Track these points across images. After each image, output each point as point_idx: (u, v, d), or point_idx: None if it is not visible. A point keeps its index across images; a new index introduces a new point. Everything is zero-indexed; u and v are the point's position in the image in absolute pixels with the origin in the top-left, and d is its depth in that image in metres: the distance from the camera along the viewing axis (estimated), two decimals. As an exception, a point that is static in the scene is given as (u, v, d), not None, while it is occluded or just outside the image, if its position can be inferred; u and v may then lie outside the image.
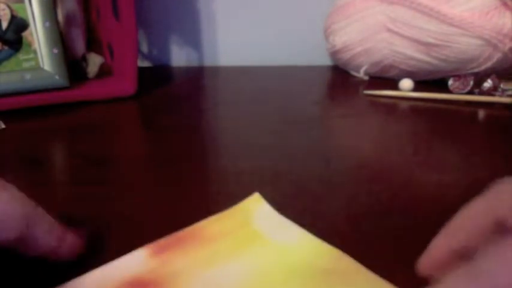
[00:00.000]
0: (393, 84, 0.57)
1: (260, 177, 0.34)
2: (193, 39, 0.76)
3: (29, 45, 0.49)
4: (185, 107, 0.52)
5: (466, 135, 0.43)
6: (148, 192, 0.32)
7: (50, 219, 0.22)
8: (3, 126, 0.44)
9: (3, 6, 0.49)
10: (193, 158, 0.38)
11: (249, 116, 0.49)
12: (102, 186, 0.33)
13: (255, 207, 0.29)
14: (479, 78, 0.54)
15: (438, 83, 0.57)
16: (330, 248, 0.25)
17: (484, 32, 0.52)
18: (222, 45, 0.76)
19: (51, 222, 0.22)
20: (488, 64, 0.54)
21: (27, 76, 0.49)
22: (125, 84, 0.54)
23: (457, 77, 0.55)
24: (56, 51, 0.50)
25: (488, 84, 0.53)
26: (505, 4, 0.52)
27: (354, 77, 0.64)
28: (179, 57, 0.77)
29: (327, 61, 0.72)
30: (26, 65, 0.49)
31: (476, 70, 0.55)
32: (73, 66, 0.56)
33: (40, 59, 0.50)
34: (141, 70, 0.57)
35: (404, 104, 0.53)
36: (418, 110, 0.51)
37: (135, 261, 0.24)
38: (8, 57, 0.49)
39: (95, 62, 0.57)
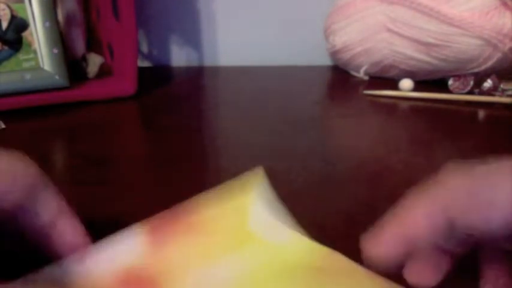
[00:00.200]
0: (393, 84, 0.57)
1: (260, 177, 0.34)
2: (193, 39, 0.76)
3: (29, 45, 0.49)
4: (185, 107, 0.52)
5: (466, 135, 0.43)
6: (148, 192, 0.32)
7: (55, 190, 0.22)
8: (3, 126, 0.44)
9: (3, 6, 0.49)
10: (193, 158, 0.38)
11: (249, 116, 0.49)
12: (102, 186, 0.33)
13: (254, 189, 0.28)
14: (479, 78, 0.54)
15: (438, 83, 0.57)
16: (321, 246, 0.25)
17: (484, 32, 0.52)
18: (222, 45, 0.76)
19: (55, 191, 0.22)
20: (488, 64, 0.54)
21: (27, 76, 0.49)
22: (124, 84, 0.54)
23: (457, 77, 0.55)
24: (56, 51, 0.50)
25: (488, 84, 0.53)
26: (505, 4, 0.52)
27: (354, 77, 0.64)
28: (179, 57, 0.77)
29: (327, 61, 0.72)
30: (26, 65, 0.49)
31: (476, 70, 0.55)
32: (73, 66, 0.56)
33: (40, 59, 0.50)
34: (141, 70, 0.57)
35: (404, 104, 0.53)
36: (418, 110, 0.51)
37: (128, 248, 0.24)
38: (8, 57, 0.49)
39: (95, 62, 0.57)
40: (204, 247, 0.25)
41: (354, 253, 0.24)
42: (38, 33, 0.50)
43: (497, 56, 0.53)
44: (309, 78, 0.66)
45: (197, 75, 0.70)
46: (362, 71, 0.62)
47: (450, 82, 0.55)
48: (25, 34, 0.49)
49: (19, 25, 0.49)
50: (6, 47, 0.49)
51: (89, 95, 0.52)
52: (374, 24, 0.58)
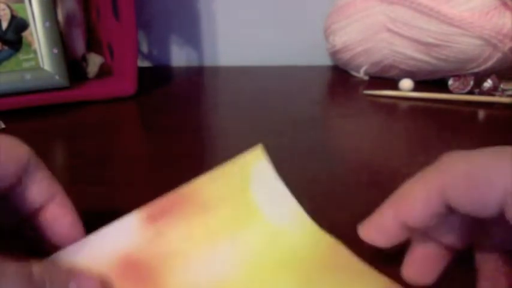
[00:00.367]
0: (393, 84, 0.57)
1: (260, 177, 0.34)
2: (193, 39, 0.76)
3: (29, 45, 0.49)
4: (185, 107, 0.52)
5: (466, 135, 0.43)
6: (149, 192, 0.32)
7: (48, 173, 0.22)
8: (3, 126, 0.44)
9: (3, 6, 0.49)
10: (193, 158, 0.38)
11: (249, 116, 0.49)
12: (102, 186, 0.33)
13: (254, 166, 0.27)
14: (479, 78, 0.54)
15: (438, 83, 0.57)
16: (324, 234, 0.25)
17: (484, 32, 0.52)
18: (222, 45, 0.76)
19: (48, 175, 0.22)
20: (488, 64, 0.54)
21: (27, 76, 0.49)
22: (125, 84, 0.54)
23: (457, 77, 0.55)
24: (56, 51, 0.50)
25: (488, 84, 0.53)
26: (505, 4, 0.52)
27: (354, 77, 0.64)
28: (179, 57, 0.77)
29: (327, 61, 0.72)
30: (26, 65, 0.49)
31: (476, 70, 0.55)
32: (73, 66, 0.56)
33: (40, 59, 0.50)
34: (141, 70, 0.57)
35: (404, 104, 0.53)
36: (418, 110, 0.51)
37: (128, 232, 0.23)
38: (8, 57, 0.49)
39: (95, 62, 0.57)
40: (204, 228, 0.24)
41: (354, 253, 0.24)
42: (38, 33, 0.50)
43: (497, 56, 0.53)
44: (309, 78, 0.66)
45: (197, 75, 0.70)
46: (362, 71, 0.62)
47: (450, 82, 0.55)
48: (25, 34, 0.49)
49: (19, 25, 0.49)
50: (6, 47, 0.49)
51: (89, 95, 0.52)
52: (374, 24, 0.58)
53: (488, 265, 0.21)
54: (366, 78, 0.63)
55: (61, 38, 0.51)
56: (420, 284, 0.21)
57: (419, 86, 0.56)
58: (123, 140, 0.43)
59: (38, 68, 0.50)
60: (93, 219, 0.28)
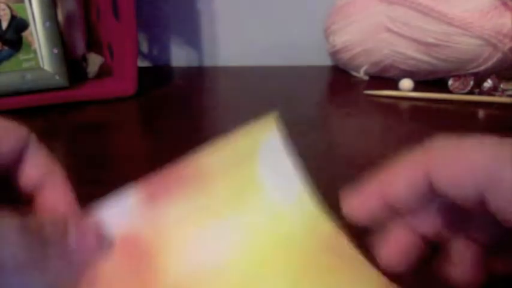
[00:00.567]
0: (393, 84, 0.57)
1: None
2: (193, 39, 0.76)
3: (29, 45, 0.50)
4: (185, 107, 0.52)
5: (466, 135, 0.43)
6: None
7: (45, 151, 0.22)
8: (3, 126, 0.44)
9: (3, 6, 0.49)
10: (193, 158, 0.38)
11: (249, 116, 0.48)
12: (102, 186, 0.33)
13: (264, 138, 0.26)
14: (479, 78, 0.54)
15: (438, 83, 0.57)
16: (326, 221, 0.24)
17: (484, 32, 0.52)
18: (222, 45, 0.76)
19: (45, 153, 0.22)
20: (488, 64, 0.54)
21: (27, 76, 0.49)
22: (125, 84, 0.54)
23: (457, 77, 0.55)
24: (56, 51, 0.50)
25: (488, 84, 0.53)
26: (505, 4, 0.52)
27: (354, 77, 0.64)
28: (179, 57, 0.77)
29: (327, 61, 0.72)
30: (26, 65, 0.49)
31: (476, 70, 0.55)
32: (73, 66, 0.56)
33: (40, 59, 0.50)
34: (141, 70, 0.57)
35: (404, 104, 0.53)
36: (418, 110, 0.51)
37: (126, 211, 0.22)
38: (8, 57, 0.49)
39: (95, 62, 0.57)
40: (204, 206, 0.23)
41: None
42: (38, 33, 0.50)
43: (497, 56, 0.53)
44: (309, 78, 0.66)
45: (197, 75, 0.70)
46: (362, 71, 0.62)
47: (450, 82, 0.55)
48: (25, 34, 0.49)
49: (19, 25, 0.49)
50: (6, 47, 0.49)
51: (89, 95, 0.52)
52: (374, 24, 0.58)
53: (459, 254, 0.21)
54: (366, 78, 0.63)
55: (61, 38, 0.51)
56: (391, 269, 0.21)
57: (419, 86, 0.56)
58: (123, 140, 0.43)
59: (38, 68, 0.50)
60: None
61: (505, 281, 0.22)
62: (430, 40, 0.54)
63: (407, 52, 0.57)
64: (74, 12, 0.57)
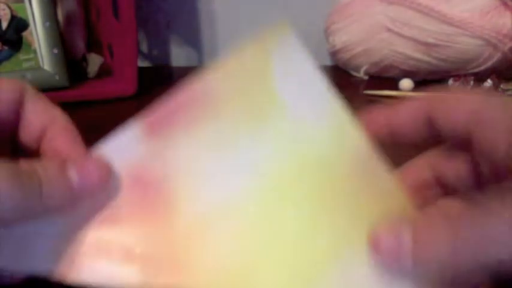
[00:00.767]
0: (393, 84, 0.57)
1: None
2: (193, 39, 0.76)
3: (29, 45, 0.50)
4: (185, 107, 0.52)
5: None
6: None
7: (45, 100, 0.22)
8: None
9: (3, 6, 0.49)
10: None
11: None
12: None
13: (278, 46, 0.22)
14: (479, 78, 0.54)
15: (438, 83, 0.57)
16: (359, 139, 0.21)
17: (484, 32, 0.52)
18: (222, 45, 0.76)
19: (46, 101, 0.22)
20: (488, 64, 0.54)
21: (27, 76, 0.49)
22: (124, 84, 0.54)
23: (457, 77, 0.55)
24: (56, 51, 0.50)
25: (488, 84, 0.53)
26: (505, 4, 0.52)
27: (354, 77, 0.64)
28: (179, 57, 0.77)
29: (327, 61, 0.72)
30: (26, 65, 0.49)
31: (476, 70, 0.55)
32: (73, 66, 0.56)
33: (40, 59, 0.50)
34: (141, 70, 0.57)
35: (404, 104, 0.53)
36: (418, 110, 0.51)
37: (131, 146, 0.21)
38: (8, 57, 0.49)
39: (95, 62, 0.57)
40: (215, 135, 0.21)
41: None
42: (38, 33, 0.50)
43: (497, 56, 0.53)
44: (309, 78, 0.66)
45: (197, 75, 0.70)
46: (362, 71, 0.62)
47: (450, 82, 0.55)
48: (25, 34, 0.49)
49: (19, 25, 0.49)
50: (6, 47, 0.49)
51: (89, 95, 0.52)
52: (374, 24, 0.58)
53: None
54: (366, 78, 0.63)
55: (61, 38, 0.51)
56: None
57: (419, 86, 0.56)
58: (123, 140, 0.43)
59: (38, 68, 0.50)
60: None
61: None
62: (430, 40, 0.54)
63: (407, 52, 0.57)
64: (74, 12, 0.57)
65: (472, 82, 0.54)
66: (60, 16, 0.55)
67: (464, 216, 0.18)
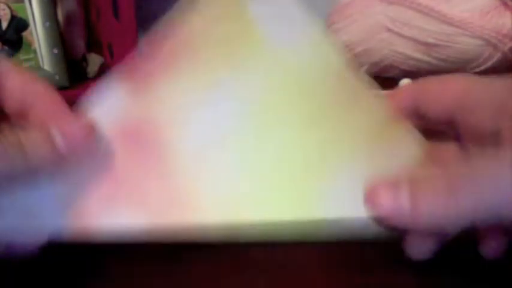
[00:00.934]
0: (393, 84, 0.57)
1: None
2: (193, 39, 0.76)
3: (29, 45, 0.49)
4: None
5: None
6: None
7: (22, 69, 0.22)
8: (3, 126, 0.44)
9: (3, 6, 0.49)
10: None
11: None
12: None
13: None
14: (479, 78, 0.54)
15: (438, 83, 0.57)
16: (336, 57, 0.23)
17: (484, 32, 0.52)
18: (222, 45, 0.76)
19: (22, 70, 0.22)
20: (488, 64, 0.54)
21: (27, 76, 0.49)
22: (125, 84, 0.54)
23: (457, 77, 0.55)
24: (56, 51, 0.50)
25: (488, 84, 0.53)
26: (505, 4, 0.52)
27: (354, 77, 0.64)
28: (179, 57, 0.77)
29: (327, 61, 0.72)
30: (26, 65, 0.49)
31: (476, 70, 0.55)
32: (73, 66, 0.56)
33: (40, 59, 0.50)
34: (141, 70, 0.57)
35: (404, 104, 0.53)
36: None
37: (118, 102, 0.21)
38: (8, 57, 0.49)
39: (95, 62, 0.57)
40: (199, 80, 0.21)
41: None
42: (38, 33, 0.50)
43: (497, 56, 0.53)
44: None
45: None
46: (362, 71, 0.62)
47: (450, 82, 0.55)
48: (25, 34, 0.49)
49: (19, 25, 0.49)
50: (6, 47, 0.49)
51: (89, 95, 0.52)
52: (374, 24, 0.58)
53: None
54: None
55: (61, 38, 0.51)
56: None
57: (419, 86, 0.56)
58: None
59: (38, 68, 0.50)
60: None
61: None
62: (430, 40, 0.54)
63: (407, 52, 0.57)
64: (74, 12, 0.57)
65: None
66: (60, 16, 0.55)
67: (462, 176, 0.18)
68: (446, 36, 0.53)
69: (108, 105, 0.22)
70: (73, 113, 0.21)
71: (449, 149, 0.22)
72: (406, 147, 0.21)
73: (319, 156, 0.21)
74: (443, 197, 0.18)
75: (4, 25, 0.49)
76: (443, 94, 0.21)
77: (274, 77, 0.22)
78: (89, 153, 0.20)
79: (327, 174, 0.20)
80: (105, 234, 0.20)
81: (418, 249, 0.21)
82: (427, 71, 0.58)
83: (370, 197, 0.20)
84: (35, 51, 0.50)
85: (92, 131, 0.20)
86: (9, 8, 0.49)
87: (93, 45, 0.62)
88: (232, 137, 0.21)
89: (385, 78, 0.62)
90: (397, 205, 0.19)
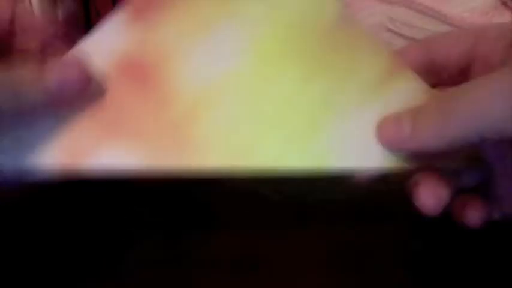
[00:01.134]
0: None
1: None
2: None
3: (29, 45, 0.49)
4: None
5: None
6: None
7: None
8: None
9: (3, 6, 0.49)
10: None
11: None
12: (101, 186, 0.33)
13: None
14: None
15: (438, 83, 0.57)
16: (336, 2, 0.23)
17: (484, 32, 0.52)
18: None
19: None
20: (488, 64, 0.54)
21: (27, 76, 0.49)
22: (125, 84, 0.54)
23: (457, 77, 0.55)
24: (56, 51, 0.50)
25: (488, 84, 0.53)
26: (505, 4, 0.52)
27: (354, 77, 0.64)
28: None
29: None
30: (26, 65, 0.49)
31: (476, 70, 0.55)
32: (73, 66, 0.56)
33: (40, 59, 0.50)
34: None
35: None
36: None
37: (118, 33, 0.22)
38: (8, 57, 0.49)
39: (95, 62, 0.57)
40: (198, 15, 0.22)
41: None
42: (38, 33, 0.49)
43: (497, 56, 0.53)
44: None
45: None
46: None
47: (450, 82, 0.55)
48: (25, 34, 0.49)
49: (19, 25, 0.49)
50: (6, 47, 0.49)
51: (89, 95, 0.52)
52: (374, 24, 0.58)
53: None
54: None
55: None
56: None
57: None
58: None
59: (38, 68, 0.50)
60: (92, 219, 0.28)
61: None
62: (430, 40, 0.54)
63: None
64: (74, 12, 0.57)
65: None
66: (60, 16, 0.55)
67: (452, 95, 0.20)
68: (446, 36, 0.53)
69: (108, 38, 0.22)
70: (69, 52, 0.22)
71: None
72: (411, 94, 0.22)
73: (323, 105, 0.21)
74: (436, 118, 0.19)
75: (4, 25, 0.49)
76: (456, 42, 0.23)
77: (273, 18, 0.22)
78: (83, 93, 0.20)
79: (332, 122, 0.21)
80: (102, 172, 0.19)
81: (429, 198, 0.21)
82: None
83: (378, 129, 0.21)
84: (35, 51, 0.50)
85: (87, 76, 0.20)
86: (9, 8, 0.49)
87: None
88: (232, 80, 0.21)
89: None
90: (400, 130, 0.21)
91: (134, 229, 0.28)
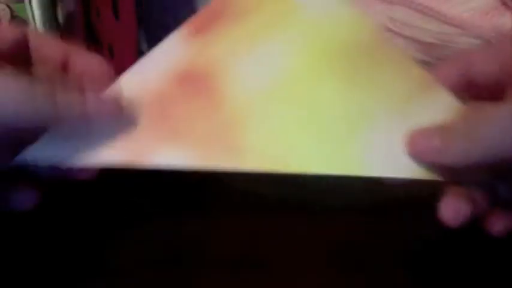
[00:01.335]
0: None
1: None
2: (193, 39, 0.76)
3: (29, 45, 0.49)
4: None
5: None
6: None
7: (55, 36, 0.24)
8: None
9: (3, 6, 0.49)
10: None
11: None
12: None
13: None
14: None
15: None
16: (367, 24, 0.26)
17: (484, 32, 0.52)
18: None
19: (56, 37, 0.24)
20: (488, 64, 0.54)
21: (27, 76, 0.49)
22: (125, 84, 0.54)
23: (457, 77, 0.55)
24: (56, 51, 0.50)
25: (488, 84, 0.53)
26: (505, 4, 0.52)
27: (354, 77, 0.64)
28: (179, 57, 0.77)
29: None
30: (26, 65, 0.49)
31: (476, 70, 0.55)
32: (73, 66, 0.56)
33: (40, 59, 0.50)
34: (141, 70, 0.57)
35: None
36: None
37: (175, 50, 0.25)
38: (8, 57, 0.49)
39: (95, 62, 0.57)
40: (247, 34, 0.25)
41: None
42: (38, 33, 0.50)
43: (497, 56, 0.53)
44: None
45: None
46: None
47: (450, 82, 0.55)
48: (25, 34, 0.49)
49: (19, 25, 0.49)
50: (6, 47, 0.49)
51: (89, 95, 0.52)
52: (374, 24, 0.58)
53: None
54: (366, 78, 0.63)
55: (61, 38, 0.51)
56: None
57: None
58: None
59: (38, 68, 0.50)
60: (95, 219, 0.28)
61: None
62: (430, 40, 0.54)
63: (407, 52, 0.57)
64: (74, 12, 0.57)
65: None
66: (60, 16, 0.55)
67: (461, 123, 0.21)
68: (446, 36, 0.53)
69: (171, 47, 0.25)
70: (112, 84, 0.25)
71: None
72: (442, 109, 0.23)
73: (358, 115, 0.23)
74: (463, 138, 0.21)
75: (4, 25, 0.49)
76: (491, 58, 0.23)
77: (315, 40, 0.24)
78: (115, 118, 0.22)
79: (365, 132, 0.23)
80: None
81: (449, 211, 0.22)
82: (427, 70, 0.58)
83: (409, 141, 0.22)
84: (35, 51, 0.50)
85: (119, 108, 0.23)
86: (9, 8, 0.49)
87: (93, 45, 0.62)
88: (277, 90, 0.23)
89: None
90: (429, 145, 0.22)
91: (134, 228, 0.28)
